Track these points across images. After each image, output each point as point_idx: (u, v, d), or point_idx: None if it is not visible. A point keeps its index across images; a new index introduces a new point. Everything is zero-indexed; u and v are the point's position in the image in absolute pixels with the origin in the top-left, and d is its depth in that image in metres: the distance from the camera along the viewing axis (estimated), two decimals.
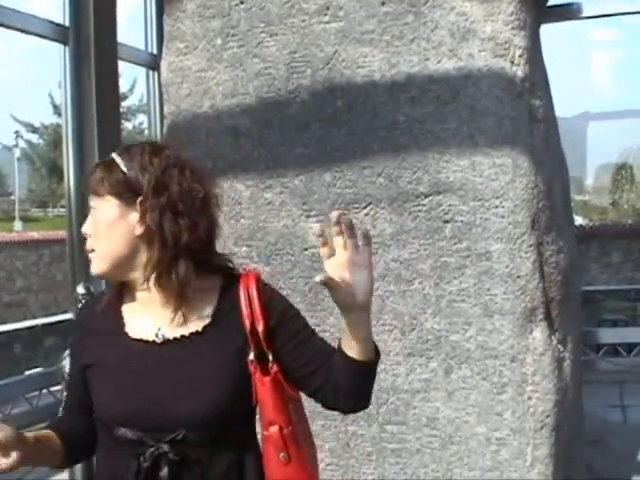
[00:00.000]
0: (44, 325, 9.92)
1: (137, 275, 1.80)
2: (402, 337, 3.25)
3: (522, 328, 3.10)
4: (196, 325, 1.79)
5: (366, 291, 1.64)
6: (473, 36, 3.14)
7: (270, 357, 1.77)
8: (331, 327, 3.33)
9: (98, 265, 1.81)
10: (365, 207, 3.28)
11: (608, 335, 8.69)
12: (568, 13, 6.90)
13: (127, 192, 1.76)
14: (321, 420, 3.35)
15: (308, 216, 3.36)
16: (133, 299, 1.86)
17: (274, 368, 1.77)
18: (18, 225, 33.01)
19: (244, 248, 3.46)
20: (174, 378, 1.76)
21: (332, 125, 3.33)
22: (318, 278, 1.60)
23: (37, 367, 8.18)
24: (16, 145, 39.32)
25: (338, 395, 1.79)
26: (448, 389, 3.20)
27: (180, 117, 3.62)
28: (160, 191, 1.75)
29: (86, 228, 1.83)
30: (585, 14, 6.91)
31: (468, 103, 3.15)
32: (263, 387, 1.76)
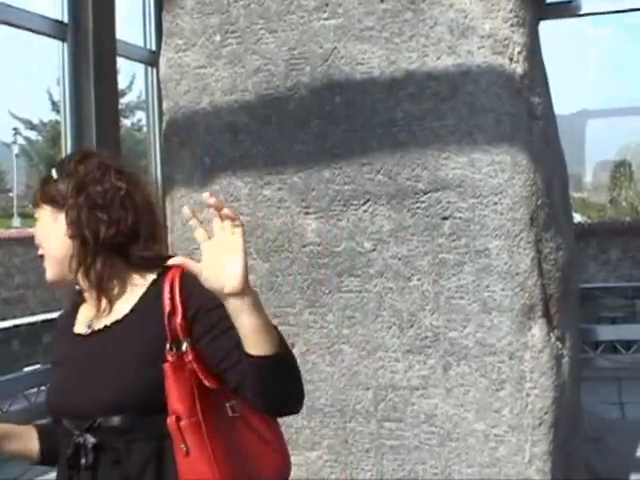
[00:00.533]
0: (43, 322, 9.91)
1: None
2: (400, 334, 3.25)
3: (521, 325, 3.10)
4: (118, 315, 1.85)
5: (237, 275, 1.54)
6: (472, 33, 3.14)
7: (184, 346, 1.74)
8: (330, 324, 3.33)
9: (48, 271, 1.92)
10: (364, 204, 3.28)
11: (606, 332, 8.69)
12: (567, 10, 6.89)
13: (56, 198, 1.88)
14: (319, 417, 3.36)
15: (307, 213, 3.36)
16: (84, 297, 1.94)
17: (189, 356, 1.74)
18: (16, 222, 33.00)
19: None
20: (95, 367, 1.80)
21: (331, 122, 3.33)
22: (174, 260, 1.66)
23: (36, 364, 8.18)
24: (14, 142, 39.29)
25: (253, 395, 1.69)
26: (446, 386, 3.20)
27: (179, 114, 3.61)
28: (79, 192, 1.86)
29: (36, 239, 1.95)
30: (584, 11, 6.90)
31: (467, 100, 3.15)
32: (167, 376, 1.73)
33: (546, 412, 3.11)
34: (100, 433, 1.75)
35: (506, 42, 3.12)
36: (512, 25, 3.13)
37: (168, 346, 1.74)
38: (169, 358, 1.73)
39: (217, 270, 1.56)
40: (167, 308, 1.78)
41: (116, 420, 1.74)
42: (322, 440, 3.37)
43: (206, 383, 1.73)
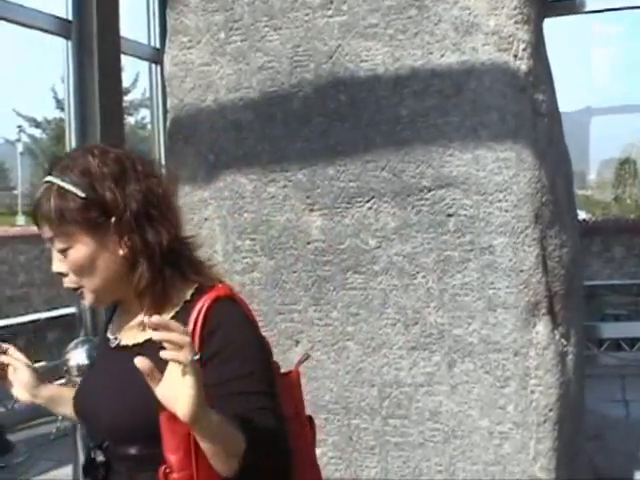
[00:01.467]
0: (47, 319, 9.92)
1: (128, 291, 1.70)
2: (405, 331, 3.25)
3: (525, 322, 3.10)
4: (145, 334, 1.62)
5: (185, 408, 1.36)
6: (477, 30, 3.14)
7: None
8: (335, 321, 3.33)
9: (93, 298, 1.72)
10: (368, 201, 3.28)
11: (610, 330, 8.69)
12: (572, 7, 6.88)
13: (94, 217, 1.63)
14: (324, 414, 3.36)
15: (311, 210, 3.36)
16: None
17: None
18: (21, 219, 33.00)
19: (247, 242, 3.47)
20: (111, 387, 1.69)
21: (335, 119, 3.33)
22: (137, 361, 1.36)
23: (40, 361, 8.19)
24: (19, 139, 39.30)
25: None
26: (451, 383, 3.21)
27: (183, 111, 3.62)
28: (127, 202, 1.64)
29: (59, 268, 1.69)
30: (588, 8, 6.89)
31: (471, 97, 3.15)
32: (162, 419, 1.52)
33: (551, 409, 3.11)
34: (110, 453, 1.69)
35: (510, 39, 3.12)
36: (517, 22, 3.13)
37: None
38: None
39: (172, 391, 1.37)
40: None
41: (126, 444, 1.65)
42: (327, 437, 3.37)
43: None
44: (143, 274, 1.65)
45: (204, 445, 1.45)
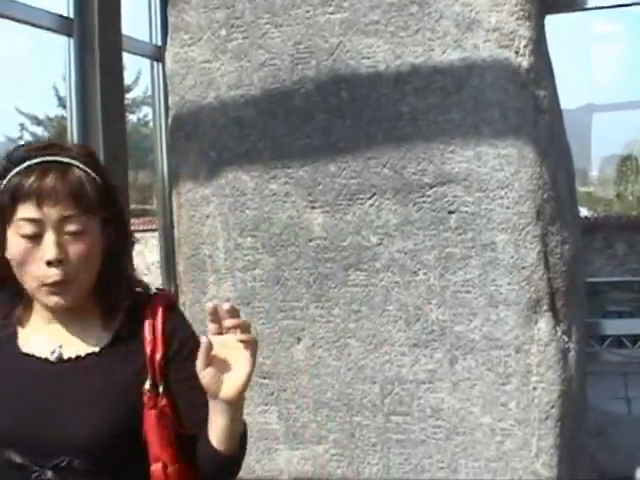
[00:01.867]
0: None
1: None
2: (407, 328, 3.25)
3: (527, 319, 3.10)
4: (94, 346, 1.62)
5: (238, 387, 1.47)
6: (478, 27, 3.13)
7: (160, 390, 1.61)
8: (336, 318, 3.34)
9: (74, 296, 1.59)
10: (370, 198, 3.28)
11: (613, 326, 8.69)
12: (573, 4, 6.86)
13: (105, 206, 1.59)
14: (326, 411, 3.36)
15: (313, 207, 3.36)
16: (30, 313, 1.66)
17: (162, 402, 1.60)
18: None
19: (249, 239, 3.47)
20: (63, 401, 1.58)
21: (337, 116, 3.33)
22: (204, 339, 1.46)
23: None
24: (21, 137, 39.31)
25: (202, 470, 1.62)
26: (453, 380, 3.21)
27: (185, 108, 3.62)
28: (116, 198, 1.63)
29: (60, 254, 1.53)
30: (590, 5, 6.88)
31: (473, 94, 3.15)
32: (149, 420, 1.59)
33: (553, 406, 3.11)
34: (67, 473, 1.56)
35: (512, 35, 3.12)
36: (518, 18, 3.13)
37: (147, 385, 1.60)
38: (150, 400, 1.59)
39: (218, 371, 1.47)
40: (149, 345, 1.62)
41: (86, 461, 1.56)
42: (328, 434, 3.38)
43: (180, 429, 1.63)
44: (110, 275, 1.61)
45: (234, 423, 1.52)
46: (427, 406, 3.25)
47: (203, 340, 1.45)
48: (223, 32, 3.51)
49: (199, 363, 1.45)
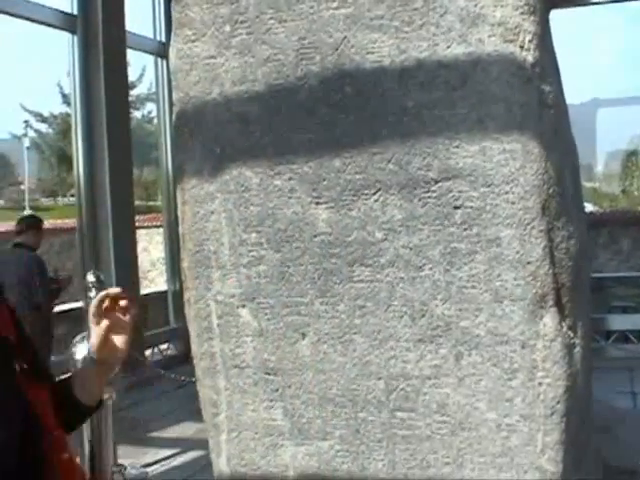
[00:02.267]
0: (55, 313, 9.96)
1: None
2: (412, 323, 3.25)
3: (532, 314, 3.10)
4: None
5: (123, 352, 1.90)
6: (483, 21, 3.12)
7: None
8: (341, 313, 3.33)
9: None
10: (375, 193, 3.27)
11: (618, 322, 8.70)
12: None
13: None
14: (331, 407, 3.36)
15: (318, 202, 3.35)
16: None
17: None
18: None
19: (254, 235, 3.47)
20: None
21: (341, 111, 3.32)
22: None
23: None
24: (25, 134, 39.40)
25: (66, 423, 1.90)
26: (458, 375, 3.20)
27: (189, 104, 3.61)
28: None
29: None
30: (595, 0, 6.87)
31: (478, 88, 3.14)
32: (31, 388, 1.80)
33: (558, 401, 3.11)
34: None
35: (517, 30, 3.11)
36: (523, 13, 3.11)
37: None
38: (19, 369, 1.76)
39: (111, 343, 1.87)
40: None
41: None
42: (334, 430, 3.38)
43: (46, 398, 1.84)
44: None
45: (107, 376, 1.95)
46: (432, 402, 3.25)
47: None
48: (227, 28, 3.51)
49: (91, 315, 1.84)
